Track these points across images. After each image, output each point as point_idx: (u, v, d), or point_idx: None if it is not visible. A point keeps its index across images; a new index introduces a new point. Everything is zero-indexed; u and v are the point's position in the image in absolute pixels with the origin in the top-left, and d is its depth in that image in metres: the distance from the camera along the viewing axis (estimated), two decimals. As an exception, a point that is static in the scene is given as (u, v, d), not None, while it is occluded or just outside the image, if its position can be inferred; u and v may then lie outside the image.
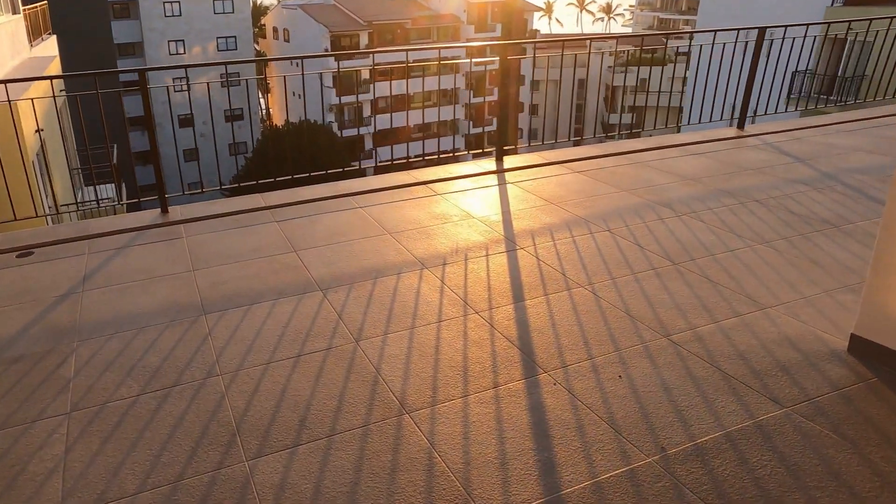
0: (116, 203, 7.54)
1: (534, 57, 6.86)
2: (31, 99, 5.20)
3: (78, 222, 5.30)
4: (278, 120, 52.36)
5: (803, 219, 4.67)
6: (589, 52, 6.79)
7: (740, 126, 7.26)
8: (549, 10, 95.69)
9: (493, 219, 4.91)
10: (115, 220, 5.01)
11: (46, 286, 3.97)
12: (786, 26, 7.13)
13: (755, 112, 7.39)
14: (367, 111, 46.35)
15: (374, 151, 48.84)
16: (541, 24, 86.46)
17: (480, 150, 6.27)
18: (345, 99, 44.58)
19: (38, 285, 3.99)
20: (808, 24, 7.49)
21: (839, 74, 22.68)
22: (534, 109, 57.10)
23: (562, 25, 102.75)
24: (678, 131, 7.71)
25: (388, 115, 48.05)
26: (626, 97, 56.25)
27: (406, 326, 3.45)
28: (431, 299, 3.74)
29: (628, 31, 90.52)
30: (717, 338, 3.20)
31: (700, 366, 2.98)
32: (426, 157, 6.50)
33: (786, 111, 8.36)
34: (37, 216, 5.22)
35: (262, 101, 58.67)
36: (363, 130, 46.75)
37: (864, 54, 22.65)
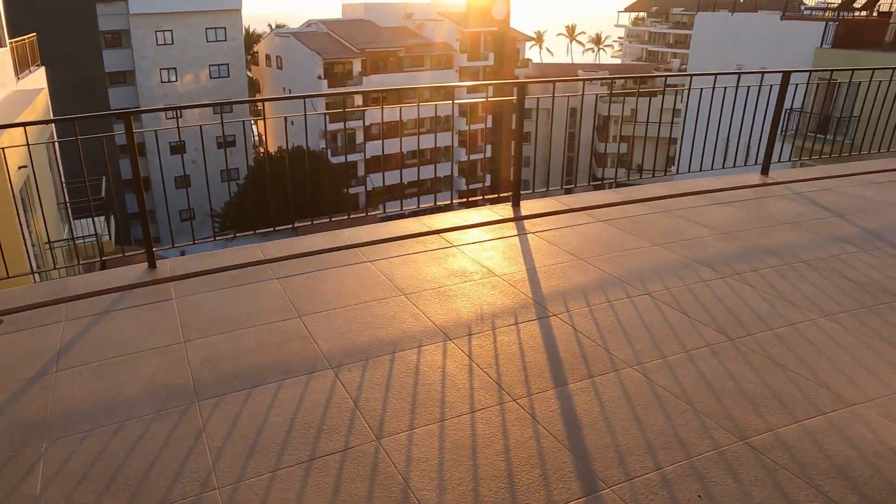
0: (104, 235, 7.02)
1: (552, 98, 6.48)
2: (3, 149, 4.72)
3: (55, 281, 4.78)
4: (271, 147, 52.09)
5: (862, 287, 4.25)
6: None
7: (764, 172, 6.90)
8: (539, 39, 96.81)
9: (517, 277, 4.45)
10: (97, 279, 4.50)
11: (14, 365, 3.45)
12: (796, 72, 6.80)
13: (779, 157, 7.04)
14: (359, 137, 46.18)
15: (366, 178, 48.33)
16: (532, 52, 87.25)
17: (496, 195, 5.84)
18: (335, 126, 44.38)
19: (5, 364, 3.47)
20: (811, 70, 7.17)
21: (831, 114, 22.73)
22: (525, 137, 57.22)
23: (552, 55, 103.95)
24: (678, 171, 7.31)
25: (381, 141, 47.80)
26: (617, 127, 56.57)
27: (434, 418, 2.96)
28: (460, 381, 3.26)
29: (618, 61, 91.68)
30: (804, 444, 2.73)
31: (794, 484, 2.50)
32: (436, 203, 6.06)
33: (793, 157, 8.00)
34: (21, 274, 4.70)
35: (254, 127, 58.42)
36: (355, 157, 46.49)
37: (851, 95, 22.80)
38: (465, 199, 5.80)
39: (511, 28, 50.67)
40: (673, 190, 6.32)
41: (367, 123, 45.90)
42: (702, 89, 6.18)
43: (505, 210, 5.74)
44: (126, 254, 5.40)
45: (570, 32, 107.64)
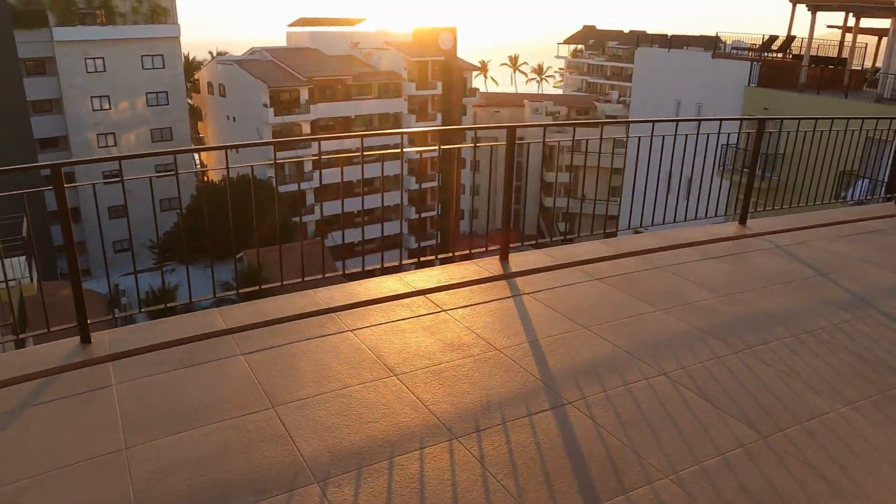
0: (24, 277, 6.17)
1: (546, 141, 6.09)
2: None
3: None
4: (213, 175, 50.40)
5: (871, 366, 3.96)
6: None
7: (742, 222, 6.69)
8: (484, 69, 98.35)
9: (520, 351, 3.96)
10: (15, 359, 3.73)
11: None
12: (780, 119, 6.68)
13: (755, 207, 6.85)
14: (308, 165, 45.24)
15: (318, 206, 47.17)
16: (478, 81, 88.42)
17: (483, 249, 5.36)
18: (283, 154, 43.29)
19: None
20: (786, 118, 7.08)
21: (760, 151, 23.59)
22: (474, 166, 57.45)
23: (497, 84, 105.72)
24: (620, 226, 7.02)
25: (332, 169, 46.83)
26: (563, 157, 57.54)
27: (454, 557, 2.40)
28: (475, 499, 2.71)
29: (559, 91, 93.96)
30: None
31: None
32: (419, 259, 5.51)
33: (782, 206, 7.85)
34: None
35: (196, 155, 56.48)
36: (305, 185, 45.49)
37: (775, 135, 23.78)
38: (450, 254, 5.29)
39: (457, 58, 51.12)
40: (661, 242, 5.99)
41: (315, 151, 45.09)
42: (664, 137, 5.92)
43: (493, 266, 5.26)
44: (55, 300, 4.61)
45: (514, 62, 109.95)
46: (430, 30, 50.25)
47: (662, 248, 5.86)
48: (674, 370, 3.78)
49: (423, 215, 52.29)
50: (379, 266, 5.06)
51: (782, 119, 6.51)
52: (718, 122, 6.26)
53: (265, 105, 41.58)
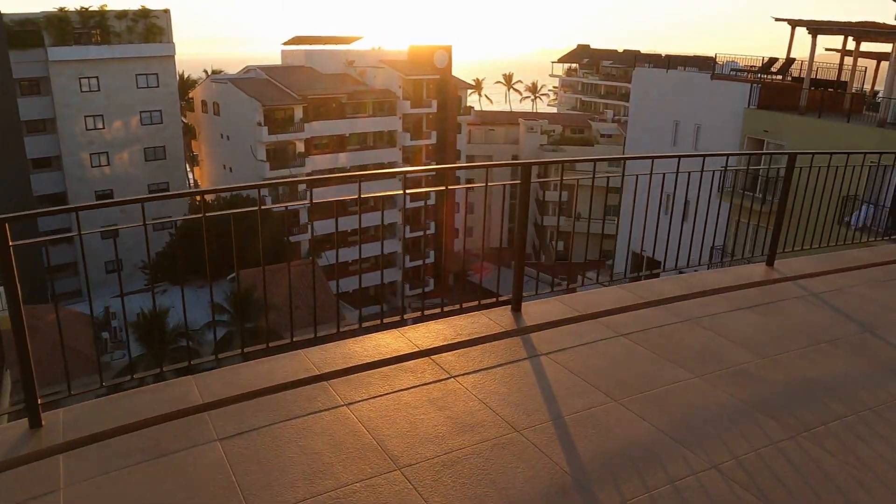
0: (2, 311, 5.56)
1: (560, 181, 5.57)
2: None
3: None
4: (207, 196, 49.93)
5: None
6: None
7: (769, 263, 6.18)
8: (479, 87, 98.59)
9: (543, 434, 3.40)
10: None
11: None
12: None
13: (783, 247, 6.34)
14: (301, 184, 44.74)
15: (310, 226, 46.79)
16: (472, 99, 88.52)
17: (494, 300, 4.82)
18: (276, 172, 42.87)
19: None
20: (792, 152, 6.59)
21: (759, 175, 23.26)
22: (469, 183, 57.20)
23: (491, 102, 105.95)
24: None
25: (324, 188, 46.48)
26: (558, 174, 57.41)
27: None
28: None
29: (554, 110, 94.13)
30: None
31: None
32: (423, 312, 4.96)
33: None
34: None
35: (190, 174, 55.95)
36: (298, 205, 44.94)
37: (777, 157, 23.43)
38: (458, 306, 4.74)
39: (452, 76, 50.96)
40: (684, 289, 5.47)
41: (310, 170, 44.62)
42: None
43: (505, 318, 4.72)
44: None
45: (508, 81, 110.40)
46: (425, 48, 50.11)
47: (688, 296, 5.34)
48: (725, 461, 3.23)
49: (419, 262, 51.96)
50: (378, 321, 4.52)
51: (813, 154, 6.03)
52: (747, 156, 5.74)
53: (259, 123, 41.14)
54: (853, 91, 24.07)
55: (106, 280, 36.10)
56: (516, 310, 4.82)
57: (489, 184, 4.72)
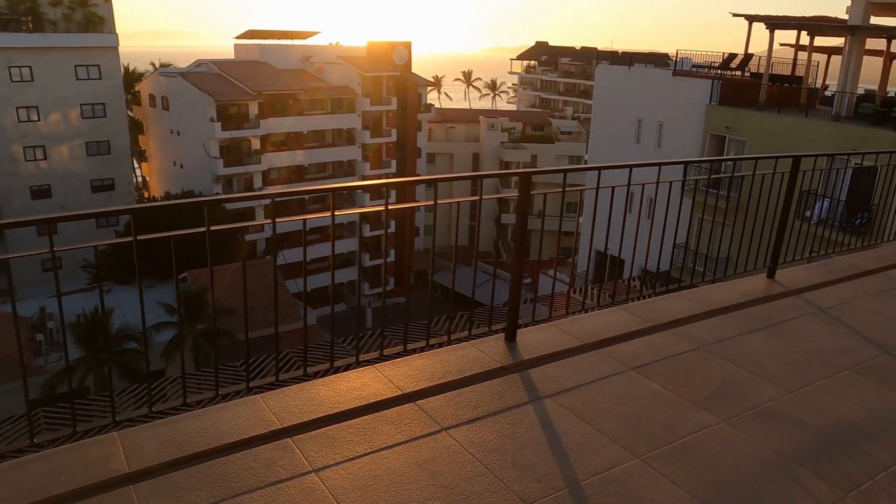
0: None
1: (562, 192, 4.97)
2: None
3: None
4: (156, 191, 47.84)
5: None
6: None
7: (771, 275, 5.73)
8: (438, 84, 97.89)
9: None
10: None
11: None
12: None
13: (785, 258, 5.89)
14: (258, 182, 43.37)
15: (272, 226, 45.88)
16: (431, 96, 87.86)
17: (488, 329, 4.19)
18: (230, 170, 41.38)
19: None
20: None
21: (722, 171, 23.32)
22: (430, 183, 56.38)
23: (451, 100, 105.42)
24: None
25: (281, 186, 45.11)
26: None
27: None
28: None
29: (513, 107, 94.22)
30: None
31: None
32: (405, 347, 4.32)
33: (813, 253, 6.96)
34: None
35: (138, 170, 53.76)
36: (253, 203, 43.57)
37: (740, 152, 23.56)
38: (446, 338, 4.08)
39: (412, 73, 50.17)
40: (688, 308, 4.94)
41: (266, 167, 43.27)
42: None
43: (498, 349, 4.10)
44: None
45: (467, 78, 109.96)
46: (384, 44, 49.16)
47: (694, 317, 4.82)
48: (783, 537, 2.68)
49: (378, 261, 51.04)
50: (353, 358, 3.84)
51: (816, 155, 5.59)
52: (730, 160, 5.25)
53: (212, 119, 39.58)
54: (809, 86, 24.31)
55: (42, 279, 34.05)
56: (511, 340, 4.21)
57: (483, 197, 4.09)
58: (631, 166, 4.72)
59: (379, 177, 49.08)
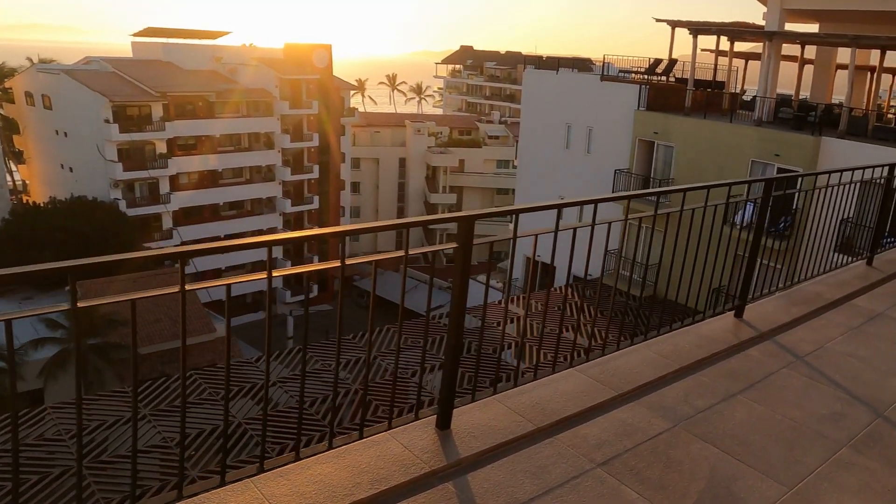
0: None
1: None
2: None
3: None
4: (38, 196, 43.92)
5: None
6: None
7: (738, 314, 5.01)
8: (362, 87, 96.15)
9: None
10: None
11: None
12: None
13: (753, 293, 5.19)
14: (165, 187, 40.65)
15: (173, 231, 42.79)
16: (355, 100, 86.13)
17: (414, 416, 3.18)
18: (132, 174, 38.58)
19: None
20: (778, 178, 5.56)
21: (651, 176, 23.36)
22: (354, 187, 54.94)
23: (375, 103, 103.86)
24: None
25: (191, 192, 42.53)
26: (447, 177, 56.57)
27: None
28: None
29: (439, 111, 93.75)
30: None
31: None
32: (298, 453, 3.23)
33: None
34: None
35: (15, 172, 49.24)
36: (159, 209, 40.82)
37: (668, 157, 23.71)
38: (357, 423, 3.03)
39: (334, 76, 48.62)
40: (655, 366, 4.11)
41: (174, 172, 40.65)
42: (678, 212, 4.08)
43: (426, 442, 3.09)
44: None
45: (392, 81, 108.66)
46: (303, 46, 47.40)
47: (662, 380, 3.98)
48: None
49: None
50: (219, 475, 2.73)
51: (801, 175, 4.95)
52: (722, 186, 4.46)
53: (107, 121, 36.70)
54: (731, 91, 24.72)
55: None
56: (444, 427, 3.21)
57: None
58: (560, 205, 3.80)
59: (301, 182, 47.17)
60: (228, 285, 2.60)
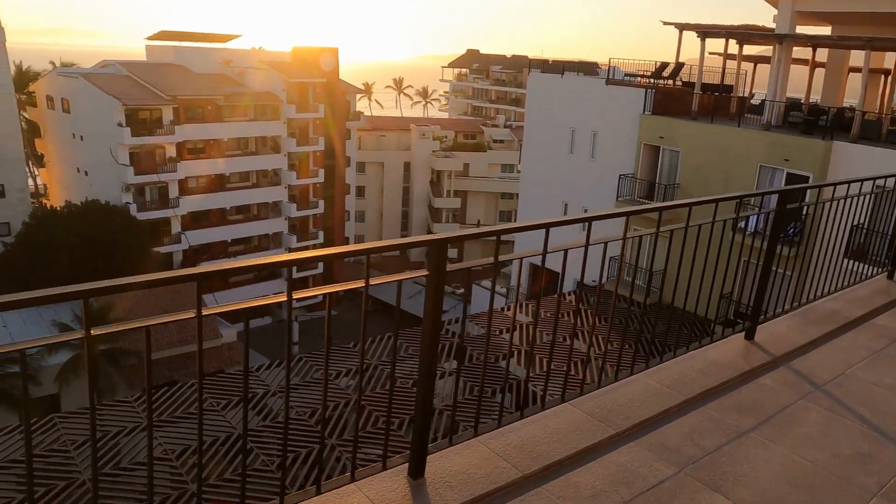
0: None
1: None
2: None
3: None
4: (57, 200, 44.06)
5: None
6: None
7: (749, 336, 4.63)
8: (368, 91, 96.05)
9: None
10: None
11: None
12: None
13: (765, 313, 4.80)
14: (174, 191, 40.55)
15: (181, 235, 42.62)
16: (361, 104, 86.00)
17: (382, 465, 2.81)
18: (142, 178, 38.51)
19: None
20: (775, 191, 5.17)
21: (657, 181, 22.87)
22: (359, 191, 54.72)
23: (382, 107, 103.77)
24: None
25: (200, 195, 42.32)
26: (451, 181, 56.21)
27: None
28: None
29: (445, 115, 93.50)
30: None
31: None
32: None
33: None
34: None
35: (37, 177, 49.70)
36: (168, 213, 40.72)
37: (674, 162, 23.21)
38: (315, 475, 2.67)
39: (340, 80, 48.45)
40: (658, 400, 3.74)
41: (182, 176, 40.55)
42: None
43: (396, 491, 2.73)
44: None
45: (398, 85, 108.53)
46: (310, 49, 47.23)
47: (665, 414, 3.61)
48: None
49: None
50: None
51: (817, 186, 4.56)
52: (735, 199, 4.08)
53: (120, 124, 36.65)
54: (739, 95, 24.24)
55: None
56: (417, 475, 2.84)
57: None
58: (548, 225, 3.43)
59: (306, 186, 46.95)
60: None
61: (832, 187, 4.73)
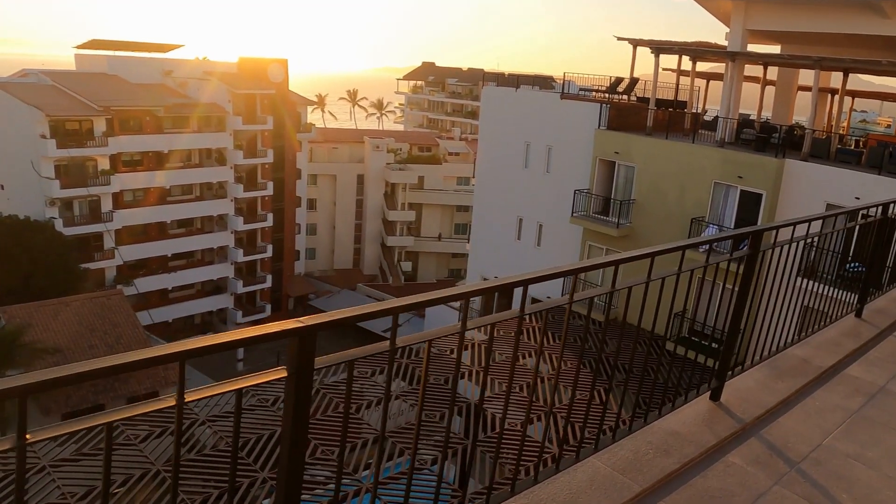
0: None
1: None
2: None
3: None
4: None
5: None
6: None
7: (715, 397, 3.91)
8: (321, 103, 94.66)
9: None
10: None
11: None
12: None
13: (733, 370, 4.10)
14: (107, 204, 38.52)
15: (115, 251, 40.49)
16: (314, 116, 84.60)
17: None
18: (71, 192, 36.41)
19: None
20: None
21: (612, 197, 22.54)
22: (311, 203, 53.37)
23: (336, 119, 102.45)
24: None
25: (136, 209, 40.31)
26: (406, 194, 55.37)
27: None
28: None
29: (400, 127, 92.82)
30: None
31: None
32: None
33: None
34: None
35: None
36: (100, 227, 38.58)
37: (629, 177, 22.94)
38: None
39: (290, 91, 47.23)
40: (610, 494, 2.95)
41: (117, 189, 38.58)
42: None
43: None
44: None
45: (352, 97, 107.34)
46: (258, 60, 45.93)
47: (646, 496, 2.82)
48: None
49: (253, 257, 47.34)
50: None
51: (792, 224, 3.92)
52: (706, 242, 3.34)
53: (43, 136, 34.60)
54: (693, 110, 24.18)
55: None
56: None
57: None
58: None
59: (254, 199, 45.46)
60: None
61: (806, 224, 4.06)
